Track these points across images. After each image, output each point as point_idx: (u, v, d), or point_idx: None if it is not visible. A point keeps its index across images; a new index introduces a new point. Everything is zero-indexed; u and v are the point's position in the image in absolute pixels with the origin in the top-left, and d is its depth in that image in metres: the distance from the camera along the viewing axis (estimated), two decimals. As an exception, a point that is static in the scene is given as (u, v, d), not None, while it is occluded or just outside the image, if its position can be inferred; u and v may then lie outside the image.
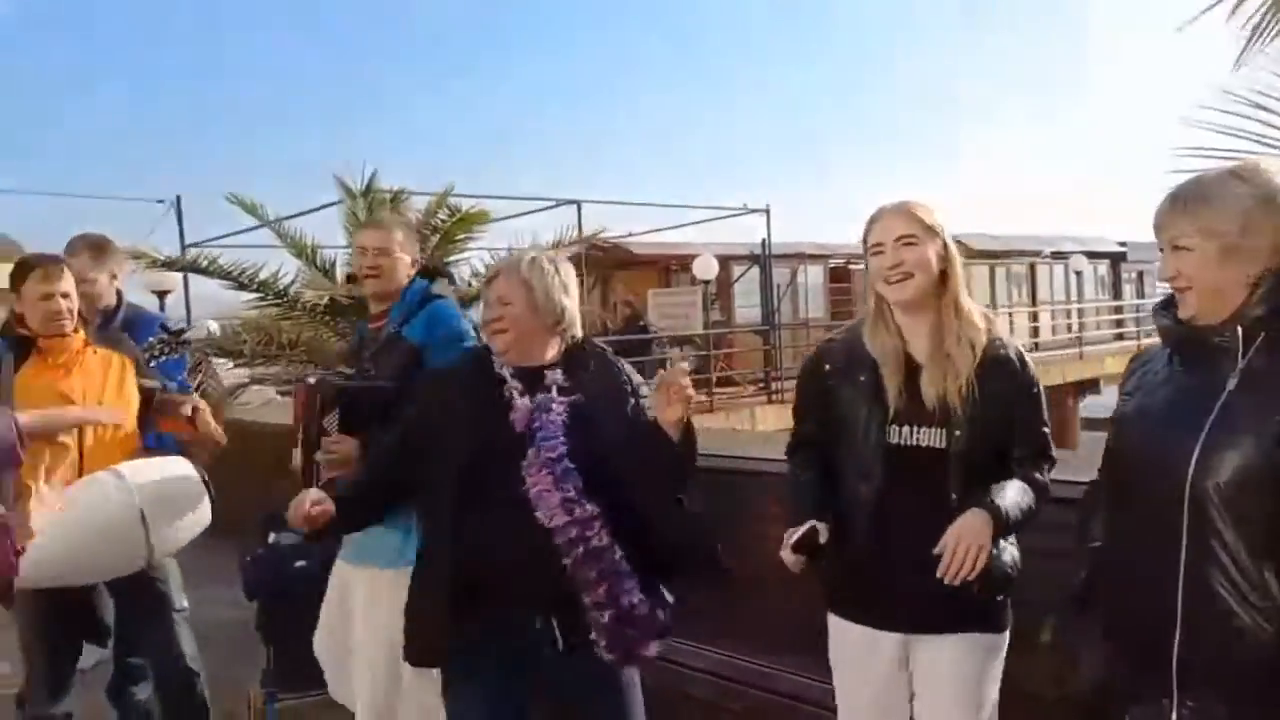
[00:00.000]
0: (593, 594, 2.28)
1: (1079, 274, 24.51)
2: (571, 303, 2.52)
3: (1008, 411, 2.17)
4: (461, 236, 5.23)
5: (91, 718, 4.11)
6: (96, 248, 4.01)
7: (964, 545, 2.01)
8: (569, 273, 2.57)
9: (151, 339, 3.90)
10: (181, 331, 4.61)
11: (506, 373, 2.46)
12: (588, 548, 2.27)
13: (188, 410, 3.42)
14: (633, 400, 2.46)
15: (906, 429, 2.18)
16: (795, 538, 2.16)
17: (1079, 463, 2.47)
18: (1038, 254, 23.77)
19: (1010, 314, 20.92)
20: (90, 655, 4.53)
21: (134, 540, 3.17)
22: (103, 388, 3.35)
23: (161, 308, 11.48)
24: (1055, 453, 2.26)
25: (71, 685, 3.53)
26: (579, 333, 2.56)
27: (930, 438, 2.16)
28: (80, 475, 3.23)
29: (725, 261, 17.06)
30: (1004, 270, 22.88)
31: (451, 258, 5.38)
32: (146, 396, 3.47)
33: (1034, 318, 23.34)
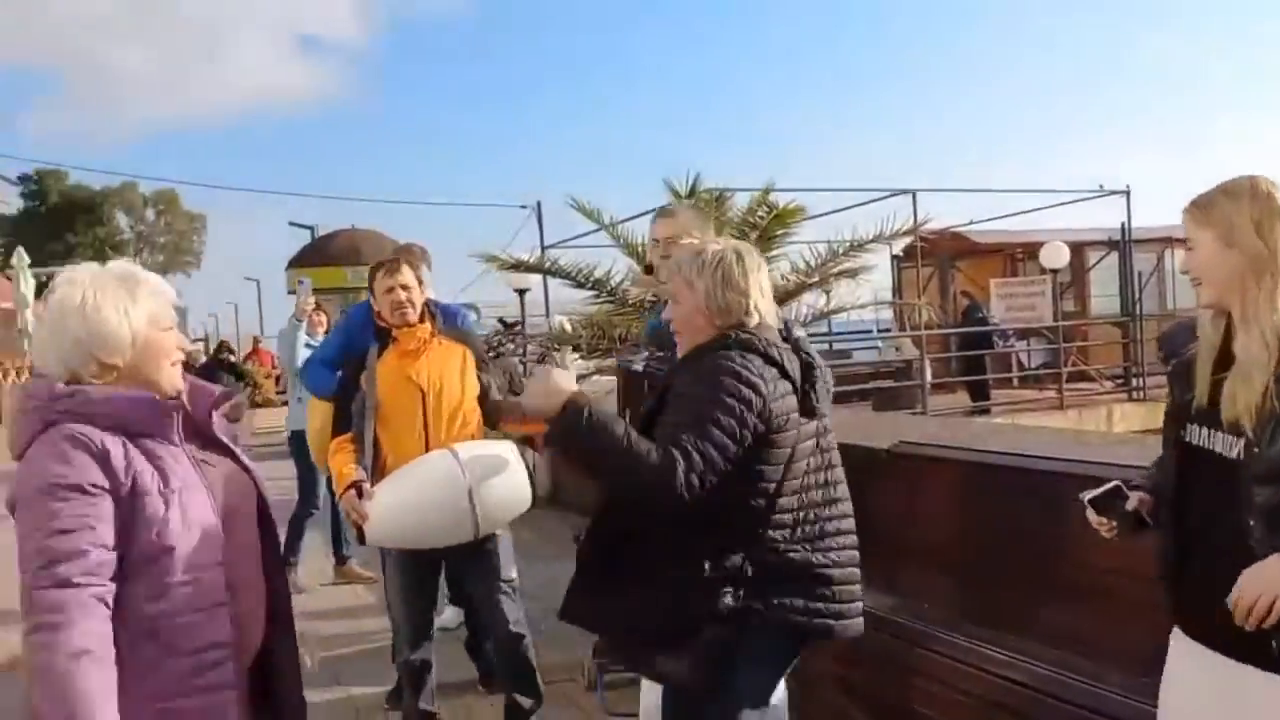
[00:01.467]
0: None
1: None
2: (745, 298, 2.46)
3: None
4: (780, 233, 5.29)
5: (455, 668, 4.66)
6: (408, 253, 4.56)
7: (1259, 597, 1.74)
8: (749, 266, 2.49)
9: (489, 331, 4.31)
10: (515, 324, 4.98)
11: None
12: None
13: (518, 414, 3.62)
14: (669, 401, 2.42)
15: (1205, 430, 1.94)
16: (1093, 494, 2.00)
17: None
18: None
19: None
20: (456, 615, 5.11)
21: (462, 515, 3.45)
22: (443, 374, 3.72)
23: (521, 305, 12.63)
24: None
25: (428, 637, 3.93)
26: (752, 322, 2.46)
27: (1224, 445, 1.90)
28: (426, 449, 3.61)
29: (1079, 248, 15.84)
30: None
31: (771, 253, 5.47)
32: (484, 387, 3.81)
33: None
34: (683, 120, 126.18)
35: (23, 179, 47.31)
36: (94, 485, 1.82)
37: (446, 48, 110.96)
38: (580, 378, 5.75)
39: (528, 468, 3.59)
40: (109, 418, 1.88)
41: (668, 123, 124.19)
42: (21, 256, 23.52)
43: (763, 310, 2.50)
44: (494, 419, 3.79)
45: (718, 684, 2.38)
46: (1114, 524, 2.07)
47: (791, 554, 2.41)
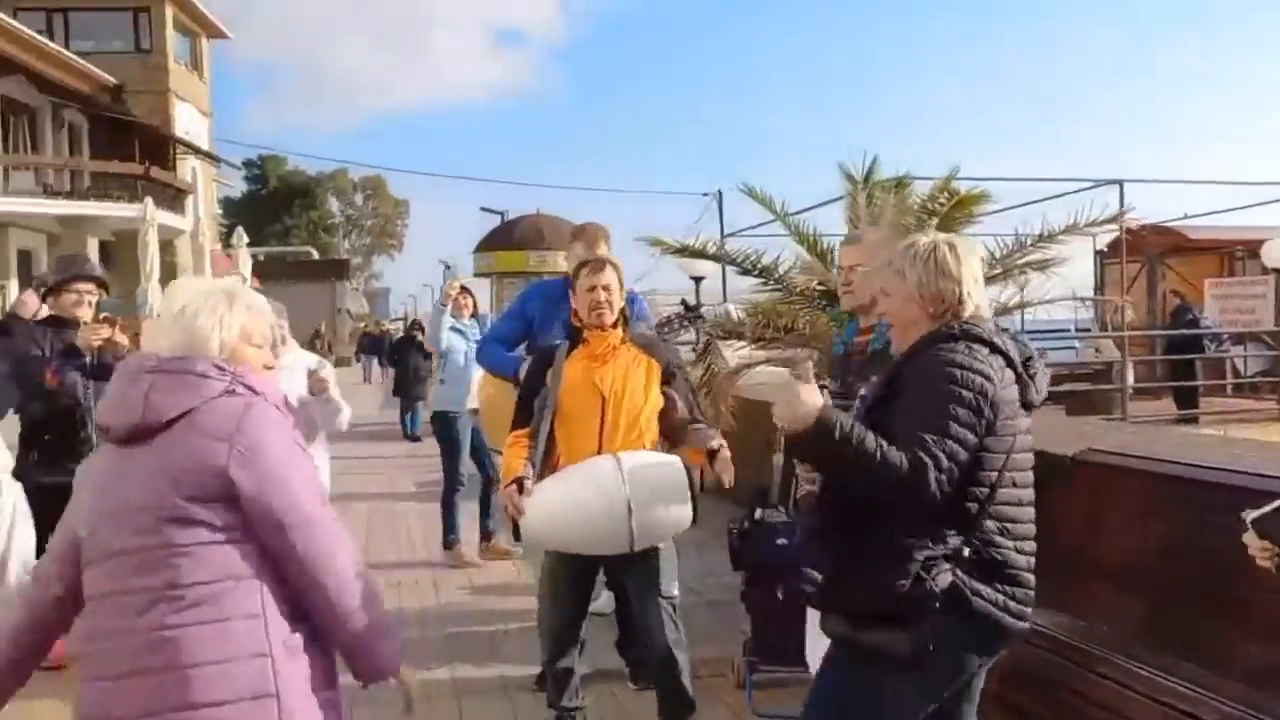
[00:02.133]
0: None
1: None
2: (958, 285, 2.43)
3: None
4: (961, 219, 4.99)
5: (607, 655, 4.62)
6: (595, 234, 4.50)
7: None
8: (961, 254, 2.46)
9: (669, 313, 4.26)
10: (697, 308, 4.95)
11: None
12: None
13: (713, 445, 3.55)
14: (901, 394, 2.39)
15: None
16: (1258, 514, 1.81)
17: None
18: None
19: None
20: (610, 601, 5.08)
21: (618, 524, 3.37)
22: (627, 382, 3.63)
23: (696, 292, 12.64)
24: None
25: (574, 643, 3.86)
26: (966, 313, 2.44)
27: None
28: (599, 450, 3.53)
29: (1309, 246, 14.47)
30: None
31: (956, 242, 5.15)
32: (670, 401, 3.68)
33: None
34: (890, 112, 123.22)
35: (247, 164, 50.97)
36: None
37: (640, 38, 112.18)
38: (743, 367, 5.64)
39: (691, 485, 3.46)
40: (276, 402, 2.12)
41: (871, 115, 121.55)
42: (241, 236, 25.40)
43: (976, 299, 2.49)
44: (678, 436, 3.69)
45: (922, 664, 2.37)
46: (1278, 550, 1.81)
47: (1002, 547, 2.39)
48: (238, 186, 47.97)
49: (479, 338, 6.65)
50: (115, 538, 1.95)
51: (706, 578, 5.63)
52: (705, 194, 15.72)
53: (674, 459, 3.52)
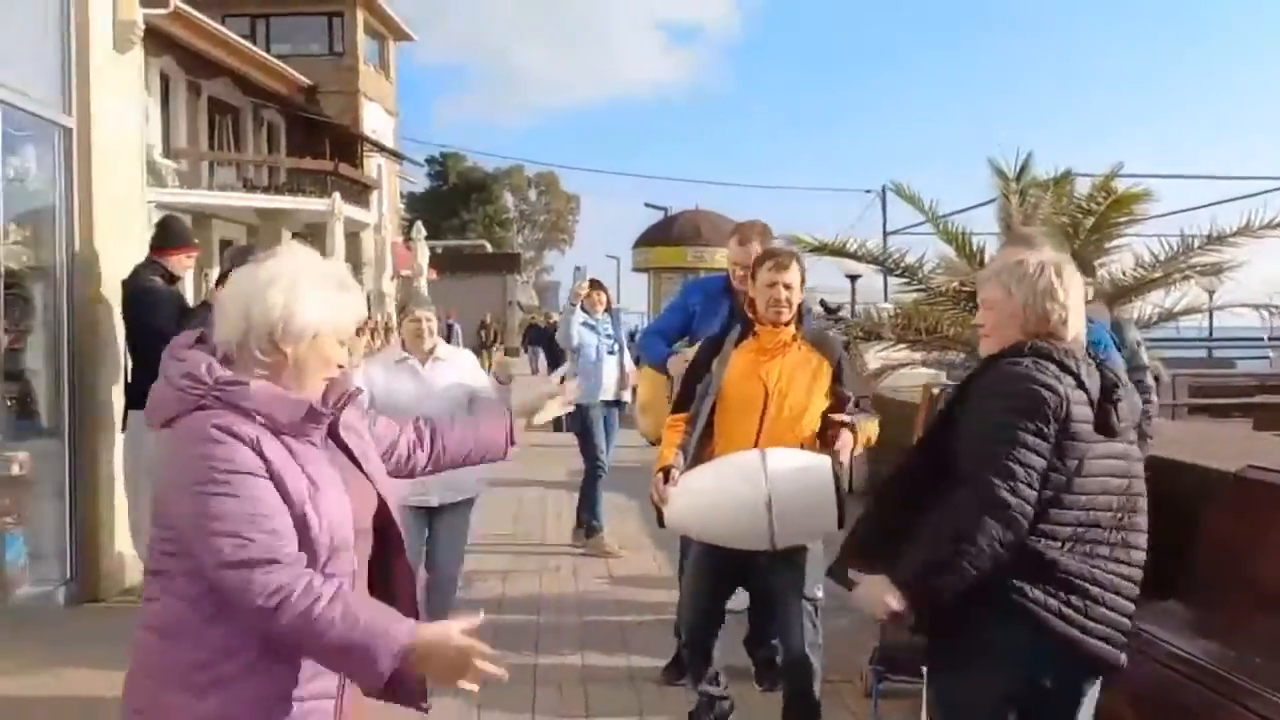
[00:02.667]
0: None
1: None
2: (1064, 310, 2.43)
3: None
4: (1122, 220, 4.70)
5: (734, 653, 4.60)
6: (755, 232, 4.49)
7: None
8: (1067, 278, 2.44)
9: (809, 310, 4.21)
10: (839, 309, 4.86)
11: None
12: None
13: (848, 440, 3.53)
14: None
15: None
16: None
17: None
18: None
19: None
20: (743, 599, 5.04)
21: (758, 520, 3.34)
22: (793, 379, 3.59)
23: (852, 291, 12.43)
24: None
25: (712, 631, 3.81)
26: (1068, 337, 2.44)
27: None
28: (756, 445, 3.49)
29: None
30: None
31: (1114, 242, 4.88)
32: (839, 399, 3.63)
33: None
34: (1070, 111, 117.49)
35: (429, 161, 53.14)
36: (253, 472, 1.75)
37: (813, 33, 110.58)
38: (882, 371, 5.50)
39: (839, 488, 3.40)
40: (261, 415, 1.79)
41: (1046, 115, 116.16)
42: (419, 230, 26.61)
43: (1075, 326, 2.49)
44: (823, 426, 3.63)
45: (971, 665, 2.43)
46: None
47: (1057, 558, 2.38)
48: (420, 182, 50.14)
49: (610, 332, 6.91)
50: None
51: (829, 583, 5.51)
52: (868, 190, 15.40)
53: (823, 460, 3.46)
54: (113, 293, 5.63)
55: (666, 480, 3.50)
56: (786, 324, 3.62)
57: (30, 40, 5.38)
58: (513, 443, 2.47)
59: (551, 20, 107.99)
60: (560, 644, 5.03)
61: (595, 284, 7.16)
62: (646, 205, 19.89)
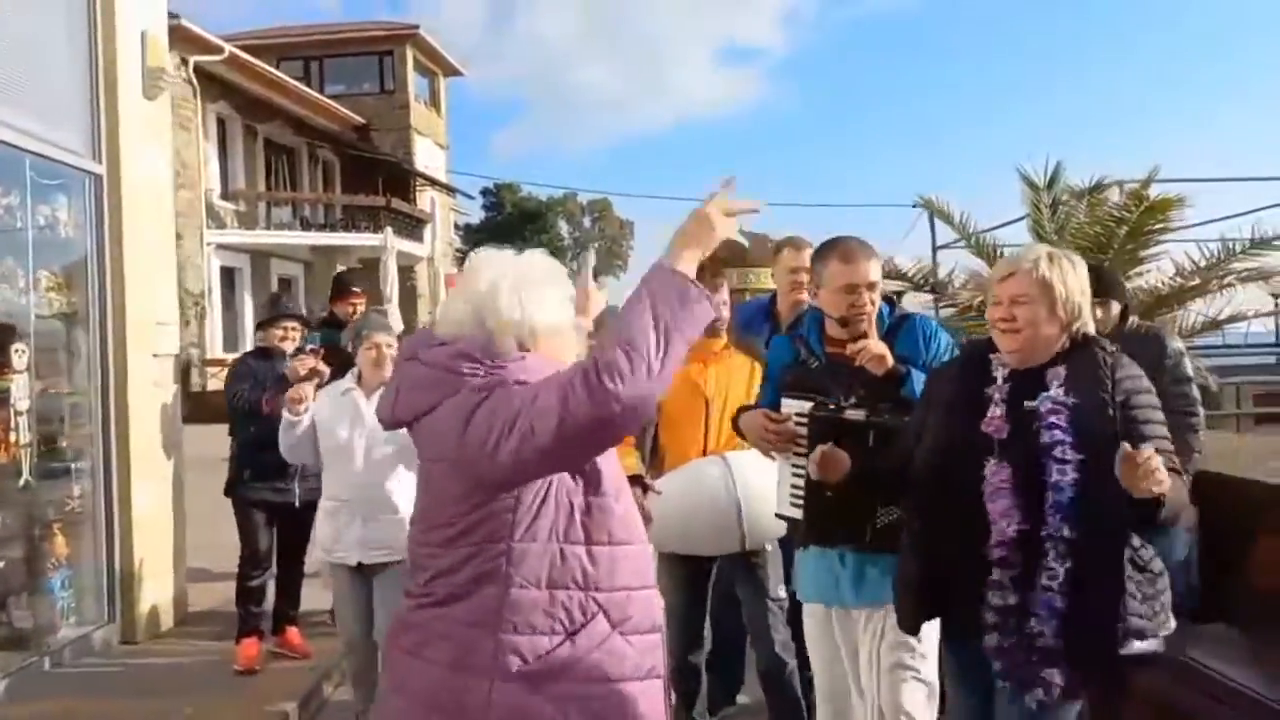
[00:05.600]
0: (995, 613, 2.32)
1: None
2: (1086, 301, 2.45)
3: None
4: (1156, 226, 4.50)
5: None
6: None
7: None
8: (1083, 270, 2.49)
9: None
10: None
11: (1000, 374, 2.45)
12: (1012, 572, 2.28)
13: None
14: (1111, 412, 2.31)
15: None
16: None
17: None
18: None
19: None
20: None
21: (729, 525, 3.41)
22: (730, 385, 3.60)
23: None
24: None
25: (698, 645, 3.81)
26: (1090, 331, 2.47)
27: None
28: (703, 453, 3.55)
29: None
30: None
31: (1149, 251, 4.66)
32: None
33: None
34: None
35: (484, 192, 53.85)
36: None
37: (873, 50, 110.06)
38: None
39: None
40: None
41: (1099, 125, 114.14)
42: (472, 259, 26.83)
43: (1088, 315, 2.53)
44: None
45: None
46: None
47: None
48: (475, 214, 50.73)
49: None
50: None
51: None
52: (914, 205, 15.15)
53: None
54: (144, 336, 5.70)
55: (645, 492, 3.43)
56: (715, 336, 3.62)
57: (60, 88, 5.48)
58: None
59: (605, 48, 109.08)
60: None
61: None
62: (696, 229, 19.76)
